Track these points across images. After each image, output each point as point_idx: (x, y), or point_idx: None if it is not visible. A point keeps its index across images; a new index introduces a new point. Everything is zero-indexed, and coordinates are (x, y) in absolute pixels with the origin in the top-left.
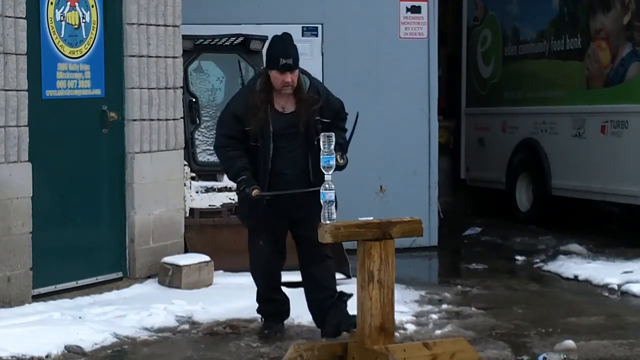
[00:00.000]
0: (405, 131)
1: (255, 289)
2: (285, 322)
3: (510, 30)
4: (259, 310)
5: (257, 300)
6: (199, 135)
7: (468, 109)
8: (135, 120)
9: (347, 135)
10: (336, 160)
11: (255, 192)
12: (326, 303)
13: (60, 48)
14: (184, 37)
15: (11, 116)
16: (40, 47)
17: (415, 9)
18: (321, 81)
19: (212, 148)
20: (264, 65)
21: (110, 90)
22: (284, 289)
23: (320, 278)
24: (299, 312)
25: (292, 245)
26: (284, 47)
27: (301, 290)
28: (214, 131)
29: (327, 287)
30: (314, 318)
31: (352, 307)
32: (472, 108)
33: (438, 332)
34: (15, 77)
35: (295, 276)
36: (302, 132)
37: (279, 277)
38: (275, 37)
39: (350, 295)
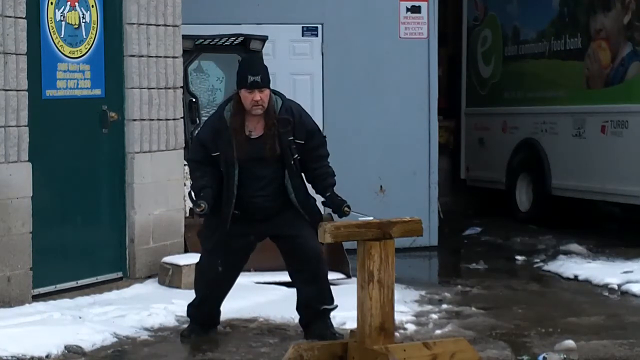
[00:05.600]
0: (405, 131)
1: (254, 289)
2: (285, 322)
3: (510, 30)
4: (188, 313)
5: (192, 305)
6: None
7: (468, 109)
8: (135, 120)
9: None
10: (344, 211)
11: (200, 208)
12: (316, 307)
13: (60, 48)
14: (184, 37)
15: (11, 116)
16: (40, 47)
17: (415, 9)
18: (318, 81)
19: None
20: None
21: (110, 90)
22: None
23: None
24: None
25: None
26: (251, 65)
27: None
28: None
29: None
30: (300, 320)
31: (351, 307)
32: (472, 108)
33: (438, 332)
34: (15, 77)
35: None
36: (277, 155)
37: (224, 297)
38: (244, 57)
39: (335, 306)
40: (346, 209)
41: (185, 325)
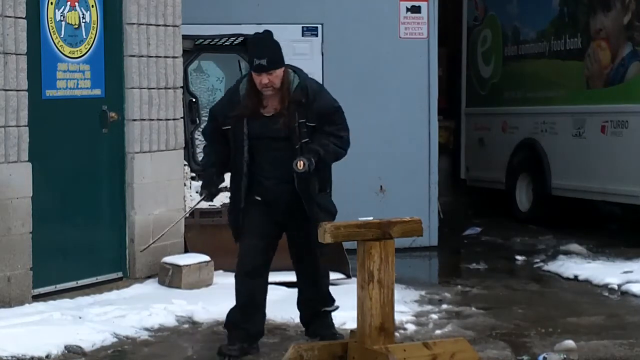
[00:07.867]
0: (405, 131)
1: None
2: (285, 322)
3: (510, 30)
4: (229, 323)
5: (235, 311)
6: (198, 135)
7: (468, 109)
8: (135, 120)
9: None
10: (296, 165)
11: (204, 194)
12: (315, 308)
13: (60, 48)
14: (184, 37)
15: (11, 116)
16: (40, 47)
17: (415, 9)
18: (318, 80)
19: None
20: None
21: (110, 90)
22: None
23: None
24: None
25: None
26: (257, 47)
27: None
28: None
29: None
30: (300, 318)
31: (351, 307)
32: (472, 108)
33: (438, 332)
34: (15, 77)
35: (294, 276)
36: (285, 136)
37: (266, 293)
38: (250, 37)
39: (335, 307)
40: (301, 162)
41: (185, 326)
